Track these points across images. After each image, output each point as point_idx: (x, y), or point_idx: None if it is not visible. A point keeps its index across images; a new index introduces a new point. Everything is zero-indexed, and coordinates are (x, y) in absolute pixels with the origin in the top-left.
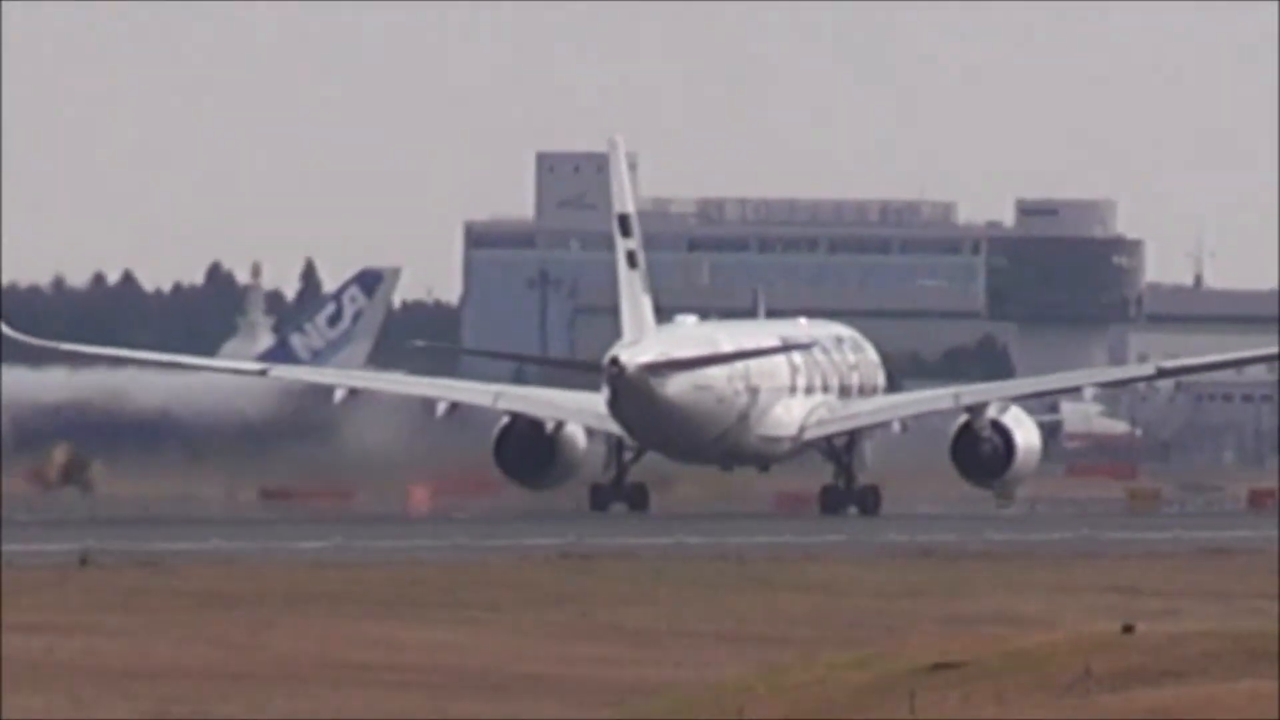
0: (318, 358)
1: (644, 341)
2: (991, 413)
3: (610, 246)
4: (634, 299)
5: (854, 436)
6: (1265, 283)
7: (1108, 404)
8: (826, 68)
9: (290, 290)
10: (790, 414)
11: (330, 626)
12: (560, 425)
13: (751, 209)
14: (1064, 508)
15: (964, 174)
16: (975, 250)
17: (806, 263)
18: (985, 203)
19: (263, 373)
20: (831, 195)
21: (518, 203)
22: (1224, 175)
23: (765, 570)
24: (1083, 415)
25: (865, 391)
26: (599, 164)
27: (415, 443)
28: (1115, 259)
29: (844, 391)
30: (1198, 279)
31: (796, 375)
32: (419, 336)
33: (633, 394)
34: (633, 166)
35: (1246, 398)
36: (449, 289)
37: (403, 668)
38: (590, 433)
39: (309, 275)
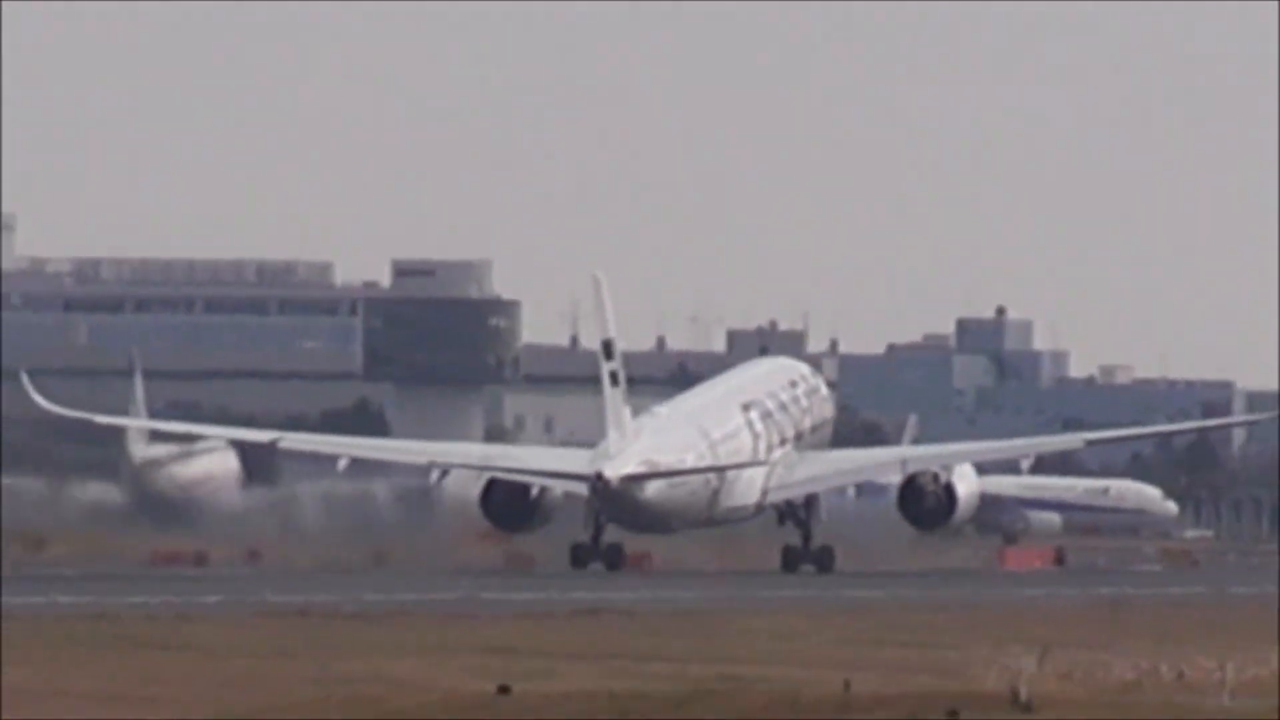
0: None
1: (625, 452)
2: (935, 467)
3: None
4: (617, 412)
5: (811, 498)
6: (643, 345)
7: None
8: (233, 124)
9: None
10: (753, 484)
11: None
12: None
13: (128, 269)
14: (444, 569)
15: (341, 234)
16: (352, 311)
17: (183, 323)
18: (362, 263)
19: (273, 443)
20: (208, 255)
21: None
22: (595, 234)
23: (140, 630)
24: None
25: (817, 429)
26: None
27: None
28: (492, 320)
29: (798, 438)
30: (574, 339)
31: (758, 442)
32: None
33: (616, 499)
34: (11, 227)
35: None
36: None
37: None
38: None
39: None
